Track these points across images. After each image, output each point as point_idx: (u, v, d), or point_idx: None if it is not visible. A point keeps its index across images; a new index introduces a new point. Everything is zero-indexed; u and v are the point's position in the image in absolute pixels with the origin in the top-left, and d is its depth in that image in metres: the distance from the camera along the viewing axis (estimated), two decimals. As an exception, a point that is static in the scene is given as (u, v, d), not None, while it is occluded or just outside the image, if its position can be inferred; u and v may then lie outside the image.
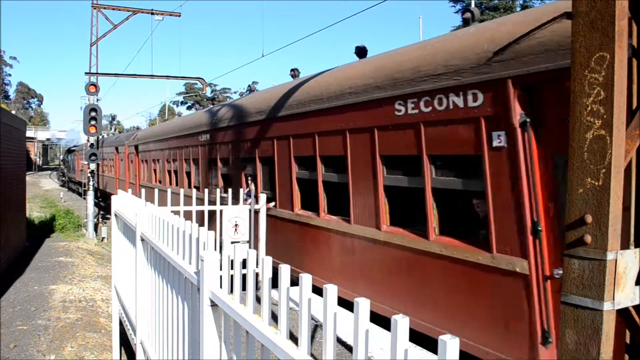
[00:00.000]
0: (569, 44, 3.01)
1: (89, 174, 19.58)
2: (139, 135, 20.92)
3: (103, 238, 18.54)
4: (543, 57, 4.18)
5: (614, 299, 2.43)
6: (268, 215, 8.25)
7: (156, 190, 8.71)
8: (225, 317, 2.52)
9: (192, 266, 2.97)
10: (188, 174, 13.99)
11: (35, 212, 23.46)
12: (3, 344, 7.15)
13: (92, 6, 21.78)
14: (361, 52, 7.68)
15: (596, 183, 2.46)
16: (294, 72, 9.92)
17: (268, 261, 2.06)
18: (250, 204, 8.27)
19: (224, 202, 8.52)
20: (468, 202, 5.43)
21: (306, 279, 1.74)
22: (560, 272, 3.52)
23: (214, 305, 2.58)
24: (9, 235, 12.36)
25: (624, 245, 2.58)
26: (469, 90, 4.85)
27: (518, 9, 51.11)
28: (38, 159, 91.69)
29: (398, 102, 5.80)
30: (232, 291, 2.46)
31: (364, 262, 6.61)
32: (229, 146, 10.98)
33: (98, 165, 21.35)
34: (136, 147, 20.60)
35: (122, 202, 6.12)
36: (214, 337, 2.61)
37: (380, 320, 5.74)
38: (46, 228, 18.97)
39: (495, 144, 4.67)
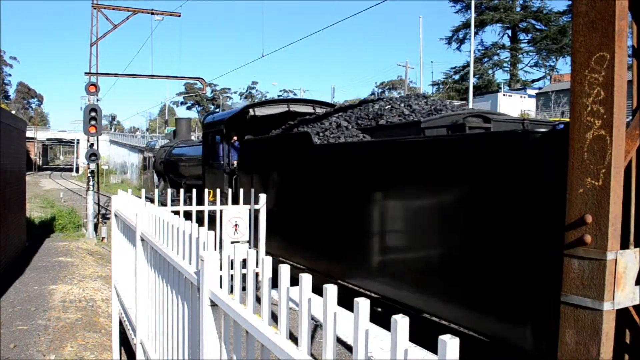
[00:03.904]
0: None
1: (89, 174, 19.59)
2: None
3: (103, 238, 18.54)
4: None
5: (613, 299, 2.43)
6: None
7: None
8: (225, 317, 2.52)
9: (192, 266, 2.97)
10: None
11: (35, 212, 23.46)
12: (3, 344, 7.15)
13: (92, 6, 21.76)
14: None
15: (596, 183, 2.45)
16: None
17: (268, 261, 2.06)
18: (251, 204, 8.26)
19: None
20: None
21: (306, 279, 1.74)
22: None
23: (213, 305, 2.58)
24: (9, 235, 12.36)
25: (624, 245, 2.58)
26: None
27: (518, 9, 51.01)
28: (38, 159, 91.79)
29: None
30: (232, 291, 2.46)
31: None
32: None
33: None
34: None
35: (122, 202, 6.12)
36: (214, 337, 2.61)
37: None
38: (46, 228, 18.96)
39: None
